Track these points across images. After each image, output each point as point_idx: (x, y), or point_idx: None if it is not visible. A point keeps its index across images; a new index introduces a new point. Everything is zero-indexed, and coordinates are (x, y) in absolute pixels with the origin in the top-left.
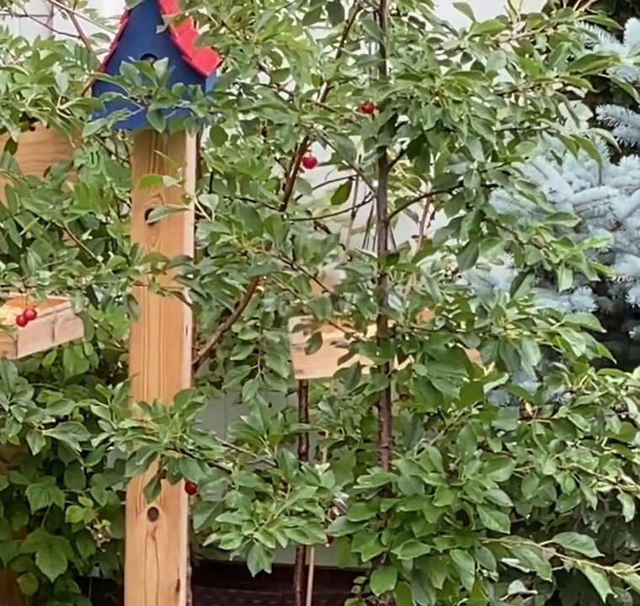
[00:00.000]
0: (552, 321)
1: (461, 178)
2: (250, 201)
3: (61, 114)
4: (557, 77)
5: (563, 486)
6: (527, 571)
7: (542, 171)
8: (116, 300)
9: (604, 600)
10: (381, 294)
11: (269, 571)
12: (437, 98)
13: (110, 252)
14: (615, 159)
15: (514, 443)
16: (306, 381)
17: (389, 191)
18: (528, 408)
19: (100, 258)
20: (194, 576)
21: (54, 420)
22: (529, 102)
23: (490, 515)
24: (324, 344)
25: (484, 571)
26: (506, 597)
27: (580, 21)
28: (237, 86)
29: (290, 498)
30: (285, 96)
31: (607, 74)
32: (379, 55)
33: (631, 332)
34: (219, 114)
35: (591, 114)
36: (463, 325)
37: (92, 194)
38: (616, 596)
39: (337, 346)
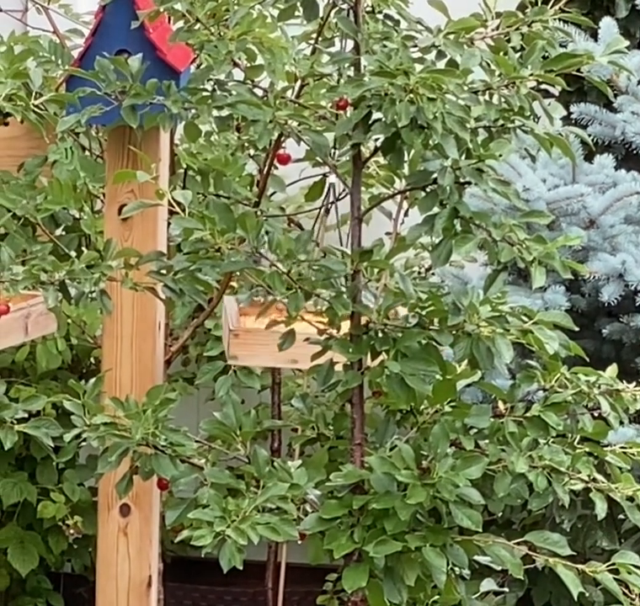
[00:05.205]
0: (525, 319)
1: (435, 176)
2: (224, 197)
3: (35, 110)
4: (531, 75)
5: (536, 484)
6: (499, 568)
7: (516, 169)
8: (89, 295)
9: (575, 598)
10: (354, 290)
11: (241, 568)
12: (411, 95)
13: (84, 248)
14: (588, 157)
15: (487, 441)
16: (280, 378)
17: (363, 188)
18: (501, 406)
19: (73, 254)
20: (165, 572)
21: (26, 415)
22: (503, 100)
23: (462, 513)
24: (261, 332)
25: (456, 569)
26: (478, 594)
27: (555, 19)
28: (212, 82)
29: (263, 495)
30: (260, 92)
31: (581, 72)
32: (353, 52)
33: (603, 330)
34: (193, 110)
35: (565, 113)
36: (436, 322)
37: (65, 190)
38: (587, 594)
39: (310, 342)
